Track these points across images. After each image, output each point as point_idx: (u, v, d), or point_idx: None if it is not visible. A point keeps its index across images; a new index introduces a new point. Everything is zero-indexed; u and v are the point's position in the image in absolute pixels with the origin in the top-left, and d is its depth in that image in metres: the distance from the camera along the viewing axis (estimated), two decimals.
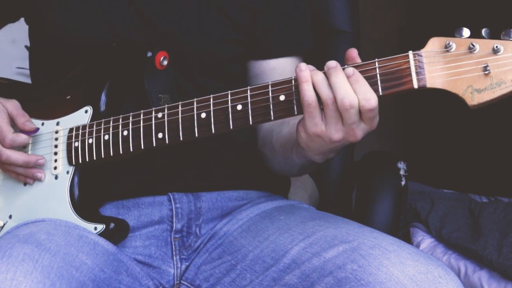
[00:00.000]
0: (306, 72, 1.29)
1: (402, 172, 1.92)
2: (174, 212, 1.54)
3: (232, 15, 1.59)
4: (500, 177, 3.01)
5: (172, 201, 1.54)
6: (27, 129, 1.51)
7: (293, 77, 1.32)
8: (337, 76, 1.27)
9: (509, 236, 2.23)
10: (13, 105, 1.52)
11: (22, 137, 1.50)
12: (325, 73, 1.29)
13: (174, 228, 1.54)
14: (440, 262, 1.29)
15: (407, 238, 2.46)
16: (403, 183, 1.91)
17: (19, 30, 1.82)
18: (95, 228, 1.46)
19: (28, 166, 1.51)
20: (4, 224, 1.54)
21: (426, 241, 2.41)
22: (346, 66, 1.29)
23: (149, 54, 1.49)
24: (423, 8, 3.36)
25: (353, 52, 1.31)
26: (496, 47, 1.21)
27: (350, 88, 1.26)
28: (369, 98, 1.26)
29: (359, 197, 1.98)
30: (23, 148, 1.55)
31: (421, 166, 2.92)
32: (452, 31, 1.25)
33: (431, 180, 2.79)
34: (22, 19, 1.73)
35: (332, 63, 1.29)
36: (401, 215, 1.91)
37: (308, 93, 1.28)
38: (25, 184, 1.54)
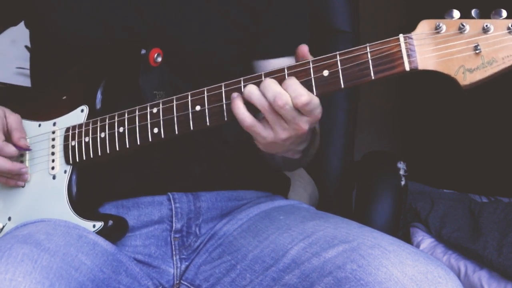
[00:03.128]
0: (237, 98, 1.33)
1: (402, 172, 1.92)
2: (173, 212, 1.54)
3: (232, 16, 1.59)
4: (500, 177, 3.01)
5: (172, 201, 1.54)
6: (20, 145, 1.52)
7: (285, 67, 1.33)
8: (264, 81, 1.31)
9: (509, 236, 2.23)
10: (15, 119, 1.53)
11: (10, 148, 1.50)
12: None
13: (173, 227, 1.54)
14: (440, 262, 1.28)
15: (407, 238, 2.46)
16: (403, 183, 1.91)
17: (19, 30, 1.81)
18: (94, 226, 1.46)
19: (11, 174, 1.52)
20: (4, 226, 1.54)
21: (426, 241, 2.41)
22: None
23: (143, 51, 1.49)
24: (423, 8, 3.36)
25: (304, 48, 1.34)
26: (486, 26, 1.21)
27: (279, 88, 1.30)
28: (301, 94, 1.29)
29: (359, 197, 1.98)
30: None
31: (421, 166, 2.92)
32: (442, 14, 1.25)
33: (431, 180, 2.79)
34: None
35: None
36: (401, 215, 1.92)
37: (241, 116, 1.32)
38: (24, 185, 1.54)
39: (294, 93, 1.29)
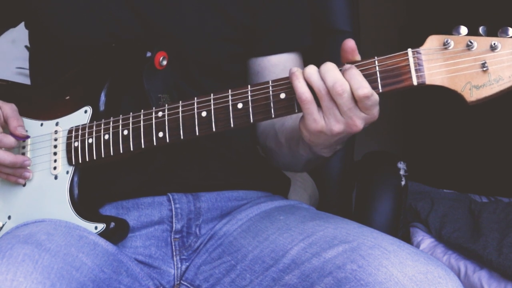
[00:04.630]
0: (297, 71, 1.31)
1: (402, 172, 1.92)
2: (173, 213, 1.54)
3: (231, 14, 1.59)
4: (500, 177, 3.01)
5: (172, 202, 1.54)
6: (17, 134, 1.50)
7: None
8: (326, 66, 1.29)
9: (509, 236, 2.23)
10: (10, 108, 1.52)
11: (9, 139, 1.49)
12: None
13: (174, 228, 1.54)
14: (440, 262, 1.29)
15: (407, 238, 2.46)
16: (403, 183, 1.91)
17: (19, 30, 1.82)
18: (96, 228, 1.46)
19: (14, 167, 1.50)
20: (3, 225, 1.54)
21: (426, 241, 2.41)
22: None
23: (149, 54, 1.49)
24: (423, 8, 3.36)
25: (350, 42, 1.32)
26: (494, 44, 1.22)
27: (340, 74, 1.28)
28: (363, 86, 1.27)
29: (359, 197, 1.99)
30: (22, 148, 1.55)
31: (421, 166, 2.93)
32: (450, 29, 1.26)
33: (431, 180, 2.79)
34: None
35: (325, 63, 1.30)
36: (401, 215, 1.92)
37: (301, 89, 1.30)
38: (24, 184, 1.54)
39: (357, 84, 1.27)
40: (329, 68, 1.29)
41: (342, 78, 1.27)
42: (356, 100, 1.28)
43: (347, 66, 1.29)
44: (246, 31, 1.60)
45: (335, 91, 1.27)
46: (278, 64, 1.62)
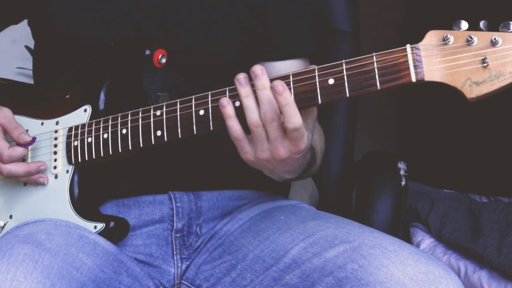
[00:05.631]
0: (229, 107, 1.29)
1: (402, 172, 1.92)
2: (174, 211, 1.54)
3: (238, 16, 1.59)
4: (500, 177, 3.01)
5: (173, 200, 1.54)
6: (22, 143, 1.50)
7: (290, 73, 1.31)
8: (263, 91, 1.27)
9: (509, 236, 2.24)
10: (5, 117, 1.51)
11: (19, 151, 1.49)
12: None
13: (174, 227, 1.54)
14: (441, 262, 1.28)
15: (407, 238, 2.46)
16: (403, 183, 1.91)
17: (19, 30, 1.82)
18: (95, 227, 1.46)
19: (30, 175, 1.51)
20: (5, 224, 1.54)
21: (426, 241, 2.42)
22: (276, 78, 1.29)
23: (147, 52, 1.48)
24: (424, 8, 3.37)
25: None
26: (495, 39, 1.19)
27: (274, 102, 1.26)
28: (294, 121, 1.25)
29: (359, 197, 1.99)
30: None
31: (421, 166, 2.93)
32: (450, 24, 1.24)
33: (431, 180, 2.79)
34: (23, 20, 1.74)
35: (257, 70, 1.28)
36: (401, 215, 1.92)
37: (233, 128, 1.29)
38: (25, 184, 1.54)
39: (288, 118, 1.25)
40: (265, 95, 1.26)
41: (275, 106, 1.25)
42: (284, 128, 1.26)
43: (279, 88, 1.25)
44: (252, 33, 1.60)
45: (266, 119, 1.26)
46: (283, 70, 1.61)
